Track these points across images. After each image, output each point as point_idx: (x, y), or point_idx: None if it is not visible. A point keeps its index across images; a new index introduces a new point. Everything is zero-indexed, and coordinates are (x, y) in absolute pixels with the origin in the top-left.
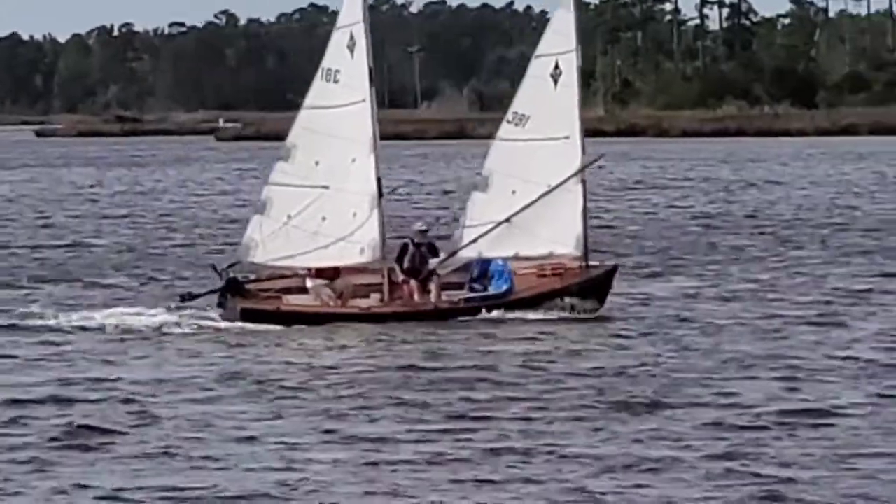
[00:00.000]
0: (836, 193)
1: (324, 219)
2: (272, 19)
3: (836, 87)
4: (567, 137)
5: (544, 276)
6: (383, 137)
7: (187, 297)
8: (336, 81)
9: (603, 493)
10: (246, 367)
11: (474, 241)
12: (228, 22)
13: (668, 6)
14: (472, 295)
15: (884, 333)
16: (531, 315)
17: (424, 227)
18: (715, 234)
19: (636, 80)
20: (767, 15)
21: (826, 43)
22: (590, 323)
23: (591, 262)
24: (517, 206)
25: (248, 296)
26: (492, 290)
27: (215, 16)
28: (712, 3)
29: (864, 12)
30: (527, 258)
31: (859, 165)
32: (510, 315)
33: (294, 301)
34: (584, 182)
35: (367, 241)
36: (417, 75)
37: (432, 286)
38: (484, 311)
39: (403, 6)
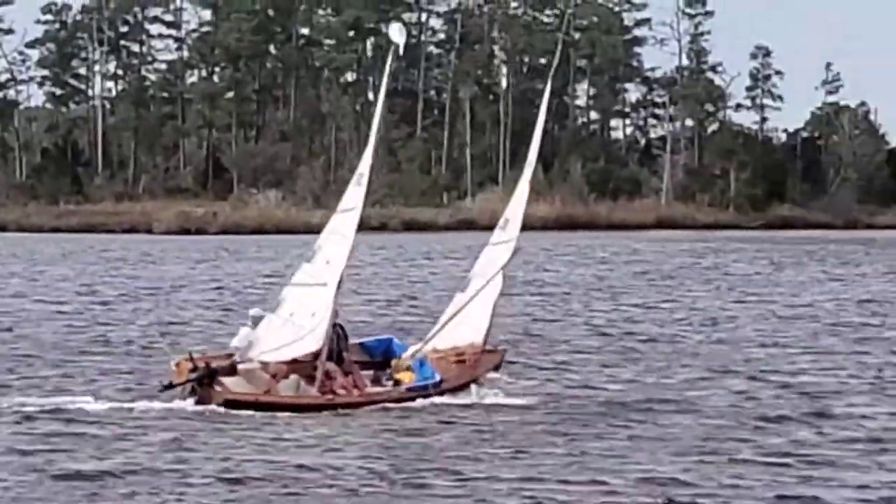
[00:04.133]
0: None
1: (313, 314)
2: None
3: None
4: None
5: (459, 361)
6: None
7: (168, 387)
8: (359, 184)
9: None
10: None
11: (426, 342)
12: None
13: None
14: (417, 384)
15: None
16: (460, 399)
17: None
18: None
19: None
20: None
21: None
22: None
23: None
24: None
25: (222, 383)
26: (424, 380)
27: None
28: None
29: None
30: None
31: None
32: (441, 400)
33: (228, 383)
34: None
35: (323, 329)
36: None
37: (352, 370)
38: (423, 398)
39: None
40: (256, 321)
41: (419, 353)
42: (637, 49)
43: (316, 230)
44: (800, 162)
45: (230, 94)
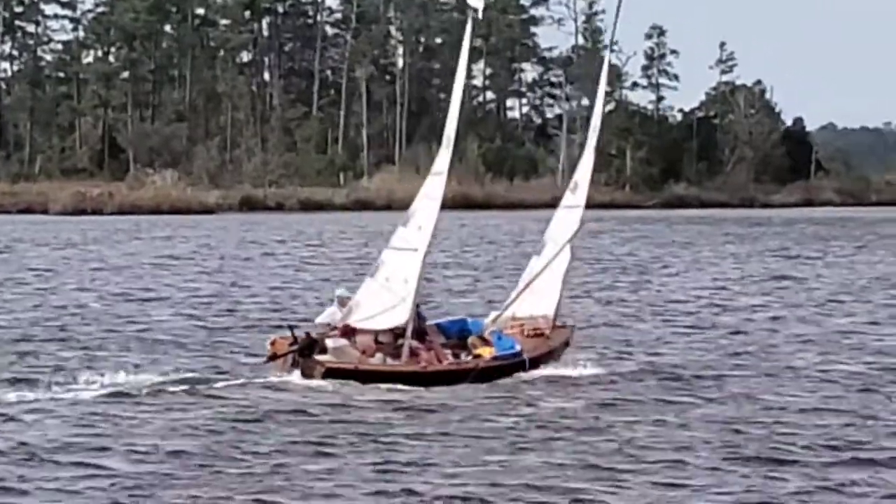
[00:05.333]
0: None
1: (406, 281)
2: None
3: None
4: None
5: (536, 335)
6: None
7: (272, 358)
8: (447, 148)
9: None
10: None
11: (508, 305)
12: None
13: None
14: (503, 353)
15: None
16: (540, 372)
17: None
18: None
19: None
20: None
21: None
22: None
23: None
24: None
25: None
26: (505, 351)
27: None
28: None
29: None
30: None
31: None
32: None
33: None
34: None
35: (412, 299)
36: None
37: (435, 347)
38: (509, 368)
39: None
40: (342, 301)
41: (498, 319)
42: (533, 29)
43: (212, 210)
44: (696, 141)
45: (126, 74)
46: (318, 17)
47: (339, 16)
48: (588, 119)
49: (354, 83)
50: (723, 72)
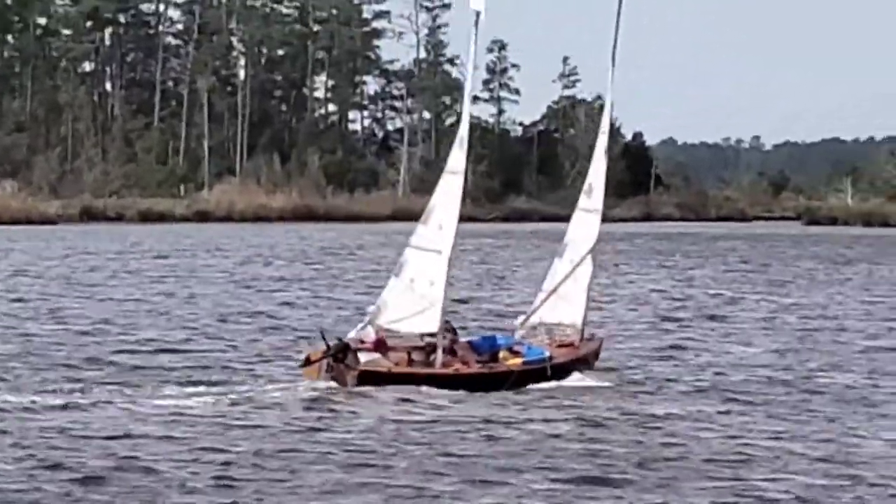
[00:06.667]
0: None
1: (432, 283)
2: None
3: None
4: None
5: (564, 346)
6: None
7: (306, 363)
8: (461, 148)
9: None
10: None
11: (539, 305)
12: None
13: None
14: (530, 358)
15: None
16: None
17: None
18: None
19: None
20: None
21: None
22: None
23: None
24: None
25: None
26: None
27: None
28: None
29: None
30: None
31: None
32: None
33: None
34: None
35: (440, 305)
36: None
37: (468, 360)
38: (540, 374)
39: None
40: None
41: (526, 322)
42: (376, 41)
43: (53, 220)
44: (536, 155)
45: None
46: (160, 28)
47: (181, 27)
48: (430, 132)
49: (196, 94)
50: (565, 86)
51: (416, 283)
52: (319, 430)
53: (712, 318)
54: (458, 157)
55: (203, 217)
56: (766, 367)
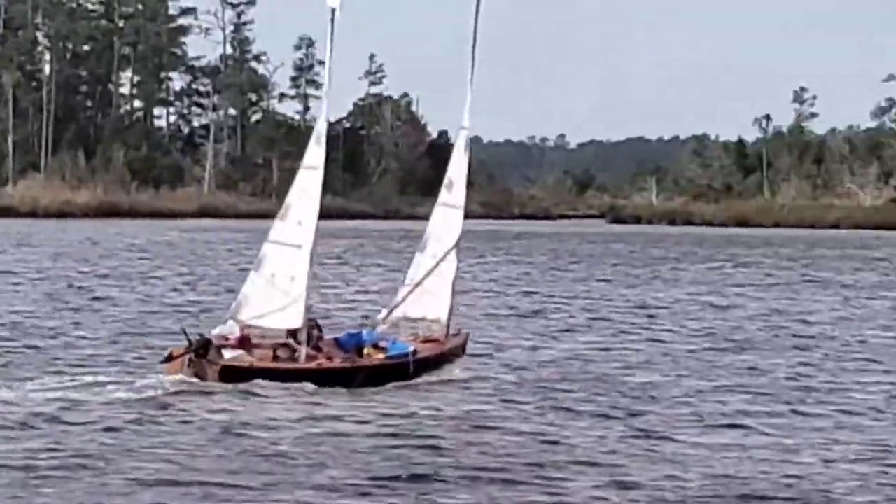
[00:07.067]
0: None
1: (292, 278)
2: None
3: None
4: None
5: (429, 341)
6: None
7: (168, 359)
8: (319, 144)
9: None
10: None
11: (403, 299)
12: None
13: None
14: (397, 353)
15: None
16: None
17: None
18: None
19: None
20: None
21: None
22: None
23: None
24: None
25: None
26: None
27: None
28: None
29: None
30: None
31: None
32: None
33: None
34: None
35: (303, 302)
36: None
37: (332, 355)
38: (403, 368)
39: None
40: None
41: (389, 317)
42: (182, 38)
43: None
44: (342, 152)
45: None
46: None
47: None
48: (235, 129)
49: (1, 89)
50: (371, 83)
51: (277, 279)
52: (150, 425)
53: (530, 315)
54: (316, 153)
55: (6, 212)
56: (588, 363)
